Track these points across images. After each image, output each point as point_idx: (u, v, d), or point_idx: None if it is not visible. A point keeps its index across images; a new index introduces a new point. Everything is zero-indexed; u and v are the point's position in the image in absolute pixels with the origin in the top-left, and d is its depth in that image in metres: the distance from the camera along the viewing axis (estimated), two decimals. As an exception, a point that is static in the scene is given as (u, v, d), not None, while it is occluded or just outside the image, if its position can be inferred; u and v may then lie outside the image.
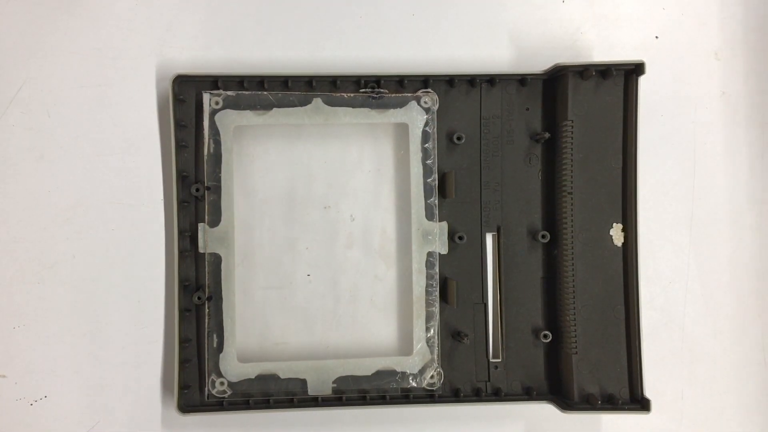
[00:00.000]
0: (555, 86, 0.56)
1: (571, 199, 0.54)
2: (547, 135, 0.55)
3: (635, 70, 0.54)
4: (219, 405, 0.53)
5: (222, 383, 0.53)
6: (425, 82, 0.56)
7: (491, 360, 0.56)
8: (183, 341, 0.54)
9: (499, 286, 0.56)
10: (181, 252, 0.54)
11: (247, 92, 0.54)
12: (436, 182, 0.55)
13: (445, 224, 0.55)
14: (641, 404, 0.53)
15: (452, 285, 0.55)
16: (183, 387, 0.53)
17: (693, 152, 0.60)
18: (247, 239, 0.57)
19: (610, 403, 0.54)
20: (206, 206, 0.53)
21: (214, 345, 0.53)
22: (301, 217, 0.57)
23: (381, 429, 0.57)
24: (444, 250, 0.55)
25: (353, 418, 0.57)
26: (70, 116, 0.57)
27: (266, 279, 0.57)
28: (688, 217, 0.60)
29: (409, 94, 0.55)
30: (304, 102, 0.54)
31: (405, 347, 0.58)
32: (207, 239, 0.53)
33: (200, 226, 0.54)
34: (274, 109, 0.54)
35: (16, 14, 0.57)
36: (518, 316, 0.56)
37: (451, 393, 0.55)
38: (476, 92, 0.56)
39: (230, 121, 0.53)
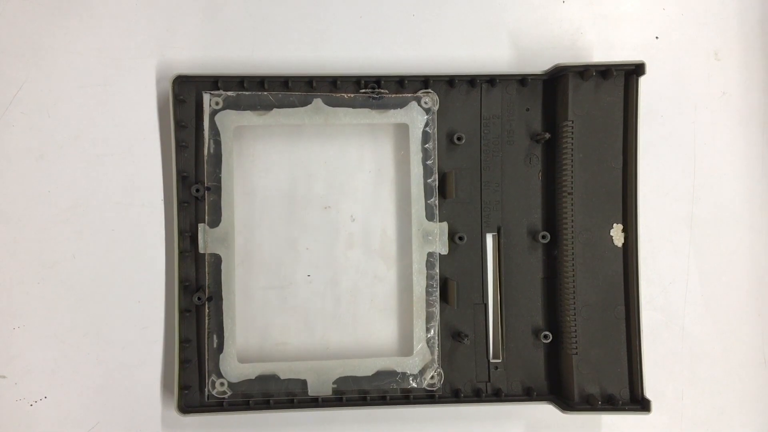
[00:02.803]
0: (555, 86, 0.56)
1: (572, 199, 0.54)
2: (547, 135, 0.55)
3: (635, 70, 0.54)
4: (219, 405, 0.53)
5: (222, 384, 0.53)
6: (425, 82, 0.56)
7: (491, 360, 0.56)
8: (183, 342, 0.54)
9: (500, 286, 0.56)
10: (181, 252, 0.54)
11: (247, 92, 0.54)
12: (437, 182, 0.55)
13: (445, 224, 0.55)
14: (641, 405, 0.53)
15: (452, 285, 0.55)
16: (183, 387, 0.53)
17: (693, 152, 0.60)
18: (247, 239, 0.57)
19: (610, 403, 0.54)
20: (206, 206, 0.53)
21: (215, 345, 0.53)
22: (301, 218, 0.57)
23: (381, 429, 0.57)
24: (444, 251, 0.55)
25: (353, 418, 0.57)
26: (70, 116, 0.56)
27: (266, 279, 0.57)
28: (688, 217, 0.60)
29: (410, 95, 0.55)
30: (305, 102, 0.54)
31: (405, 348, 0.57)
32: (207, 239, 0.53)
33: (200, 226, 0.54)
34: (275, 109, 0.54)
35: (16, 14, 0.57)
36: (518, 316, 0.56)
37: (452, 393, 0.55)
38: (476, 92, 0.56)
39: (230, 122, 0.53)
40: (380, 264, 0.58)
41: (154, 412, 0.56)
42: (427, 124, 0.55)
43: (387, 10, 0.59)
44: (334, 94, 0.54)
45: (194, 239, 0.54)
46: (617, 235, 0.55)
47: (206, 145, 0.53)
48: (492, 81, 0.56)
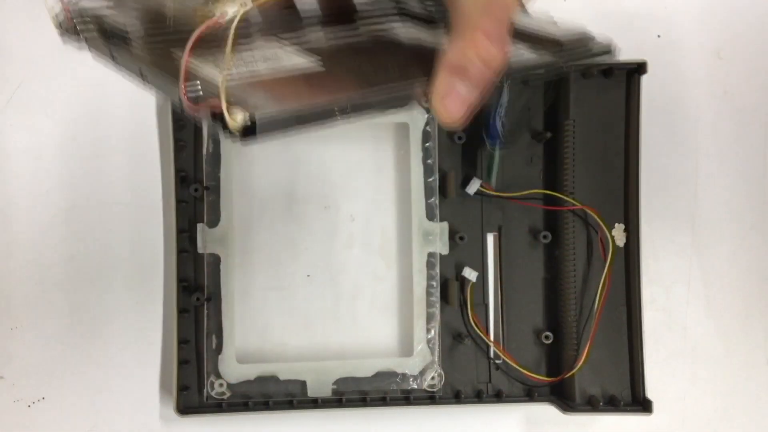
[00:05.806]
0: (557, 86, 0.56)
1: (573, 198, 0.54)
2: (548, 135, 0.55)
3: (637, 69, 0.54)
4: (218, 407, 0.53)
5: (221, 385, 0.52)
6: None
7: (492, 361, 0.56)
8: (182, 342, 0.53)
9: (500, 286, 0.56)
10: (179, 252, 0.54)
11: (246, 91, 0.54)
12: (437, 182, 0.54)
13: (445, 224, 0.55)
14: (643, 405, 0.53)
15: (453, 286, 0.55)
16: (182, 388, 0.53)
17: (695, 152, 0.60)
18: (247, 239, 0.56)
19: (611, 404, 0.54)
20: (205, 206, 0.53)
21: (213, 346, 0.53)
22: (300, 217, 0.57)
23: (381, 430, 0.57)
24: (445, 251, 0.55)
25: (353, 419, 0.57)
26: (70, 116, 0.56)
27: (266, 279, 0.57)
28: (690, 217, 0.60)
29: (410, 94, 0.54)
30: (304, 101, 0.54)
31: (405, 348, 0.57)
32: (206, 239, 0.53)
33: (199, 226, 0.53)
34: (274, 108, 0.54)
35: (16, 14, 0.56)
36: (519, 316, 0.56)
37: (452, 394, 0.55)
38: (477, 91, 0.56)
39: (229, 121, 0.53)
40: (380, 264, 0.57)
41: (152, 413, 0.56)
42: (427, 123, 0.54)
43: (387, 9, 0.59)
44: (333, 93, 0.54)
45: (193, 239, 0.54)
46: (619, 234, 0.54)
47: (205, 145, 0.53)
48: (493, 80, 0.56)
